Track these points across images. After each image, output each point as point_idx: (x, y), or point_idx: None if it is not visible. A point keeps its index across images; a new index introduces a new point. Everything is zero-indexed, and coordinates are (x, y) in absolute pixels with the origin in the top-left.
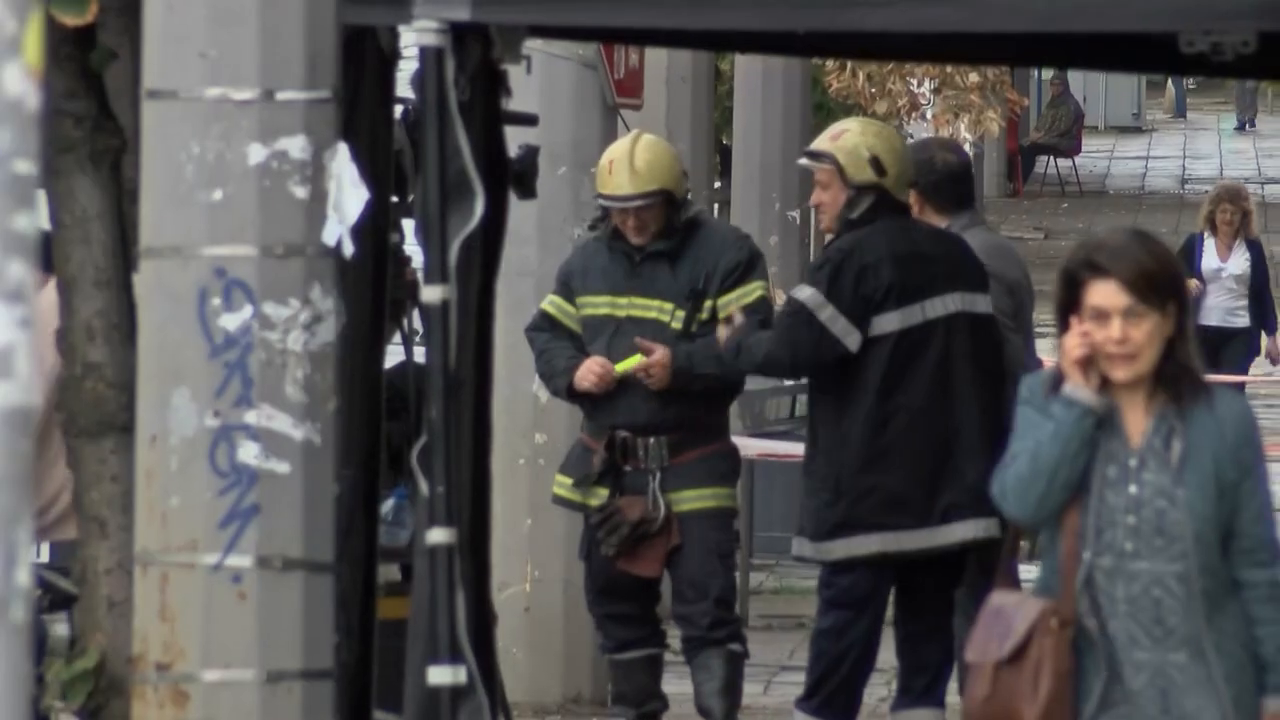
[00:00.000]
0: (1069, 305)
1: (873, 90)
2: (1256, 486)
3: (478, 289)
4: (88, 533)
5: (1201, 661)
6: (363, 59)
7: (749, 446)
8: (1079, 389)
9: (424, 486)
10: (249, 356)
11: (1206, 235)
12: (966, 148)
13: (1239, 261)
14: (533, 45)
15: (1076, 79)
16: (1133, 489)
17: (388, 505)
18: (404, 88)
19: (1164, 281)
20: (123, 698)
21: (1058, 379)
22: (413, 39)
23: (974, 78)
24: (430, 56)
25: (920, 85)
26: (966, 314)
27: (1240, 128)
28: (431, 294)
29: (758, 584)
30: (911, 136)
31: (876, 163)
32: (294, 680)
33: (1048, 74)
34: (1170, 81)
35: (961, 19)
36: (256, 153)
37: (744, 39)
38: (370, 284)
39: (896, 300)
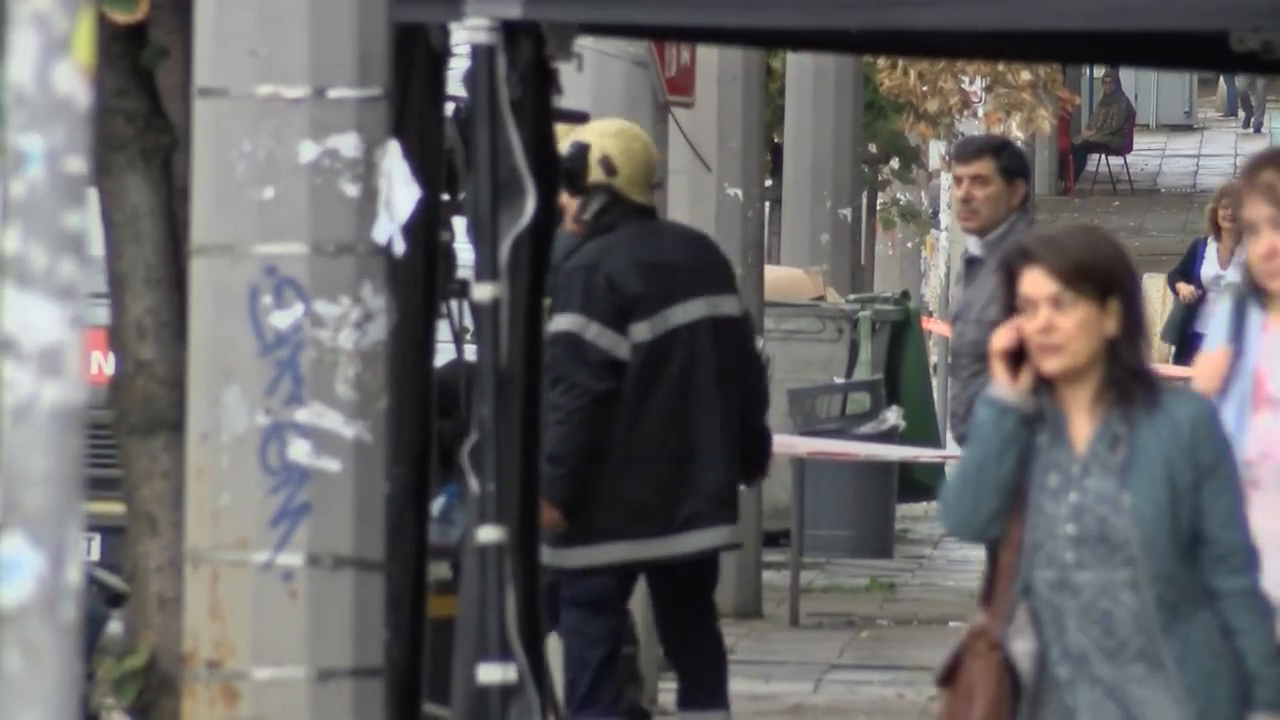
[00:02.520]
0: (1009, 303)
1: (924, 88)
2: (1224, 487)
3: (528, 287)
4: (138, 530)
5: (1161, 674)
6: (414, 57)
7: (799, 445)
8: (1000, 386)
9: (474, 484)
10: (300, 354)
11: (1210, 239)
12: (1018, 145)
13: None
14: (584, 43)
15: (1128, 77)
16: (1074, 496)
17: (438, 503)
18: (455, 86)
19: (1098, 273)
20: (173, 695)
21: None
22: (464, 36)
23: (1025, 76)
24: (482, 54)
25: (972, 83)
26: (710, 319)
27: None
28: (482, 292)
29: (808, 582)
30: (962, 134)
31: (606, 162)
32: (344, 678)
33: (1099, 72)
34: (1222, 79)
35: (1011, 17)
36: (308, 150)
37: (795, 37)
38: (421, 282)
39: (644, 310)
